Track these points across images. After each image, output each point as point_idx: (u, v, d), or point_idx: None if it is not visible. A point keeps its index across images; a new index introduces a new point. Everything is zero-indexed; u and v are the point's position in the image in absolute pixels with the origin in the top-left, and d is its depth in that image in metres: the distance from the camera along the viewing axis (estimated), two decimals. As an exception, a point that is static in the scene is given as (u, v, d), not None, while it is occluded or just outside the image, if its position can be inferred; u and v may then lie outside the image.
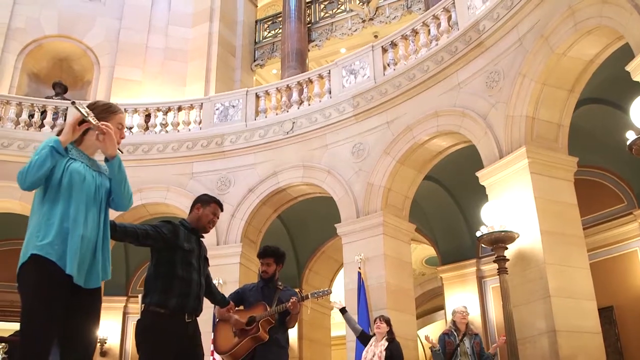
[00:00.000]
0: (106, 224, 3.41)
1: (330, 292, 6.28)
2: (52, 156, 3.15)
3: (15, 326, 13.17)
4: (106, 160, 3.36)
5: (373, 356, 7.90)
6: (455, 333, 7.80)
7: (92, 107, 3.44)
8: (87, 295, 3.23)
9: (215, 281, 5.34)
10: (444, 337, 7.81)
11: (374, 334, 8.23)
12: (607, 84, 9.67)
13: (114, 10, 17.71)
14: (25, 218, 12.70)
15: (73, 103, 3.24)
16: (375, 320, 8.33)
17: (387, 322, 8.21)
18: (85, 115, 3.18)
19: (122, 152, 3.49)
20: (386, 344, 7.99)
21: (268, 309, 5.56)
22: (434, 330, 21.56)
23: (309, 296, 5.88)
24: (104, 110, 3.49)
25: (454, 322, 8.00)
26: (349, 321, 8.44)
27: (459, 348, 7.61)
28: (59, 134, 3.31)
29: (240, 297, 5.84)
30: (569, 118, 9.24)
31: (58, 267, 3.09)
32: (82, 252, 3.18)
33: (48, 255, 3.09)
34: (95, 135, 3.32)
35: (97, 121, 3.25)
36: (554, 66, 8.90)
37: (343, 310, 8.30)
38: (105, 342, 14.41)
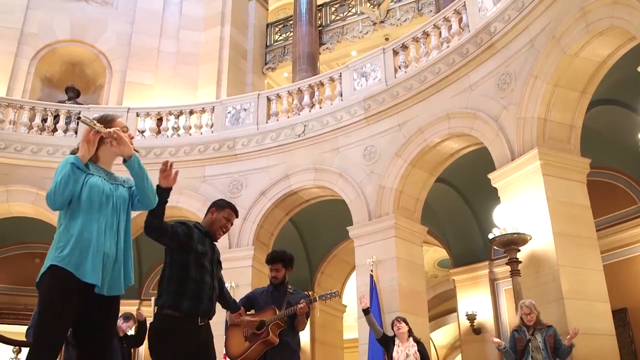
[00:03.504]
0: (127, 233, 3.58)
1: (338, 295, 6.29)
2: (74, 173, 3.31)
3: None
4: (124, 161, 3.51)
5: (407, 357, 7.94)
6: (524, 328, 7.42)
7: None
8: (107, 303, 3.41)
9: (227, 284, 5.36)
10: (514, 333, 7.53)
11: (394, 335, 8.26)
12: (619, 85, 9.63)
13: (126, 14, 17.80)
14: (39, 222, 12.77)
15: (79, 118, 3.40)
16: (393, 322, 8.36)
17: (406, 321, 8.28)
18: (93, 125, 3.35)
19: (138, 152, 3.66)
20: (416, 345, 8.05)
21: (277, 313, 5.57)
22: (446, 333, 21.56)
23: (317, 299, 5.90)
24: (104, 122, 3.61)
25: (521, 318, 7.66)
26: (371, 323, 8.41)
27: (530, 343, 7.34)
28: (73, 152, 3.50)
29: (251, 301, 5.86)
30: (581, 119, 9.21)
31: (75, 277, 3.25)
32: (103, 262, 3.34)
33: (66, 266, 3.25)
34: (109, 144, 3.50)
35: (105, 129, 3.42)
36: (566, 67, 8.87)
37: (366, 311, 8.27)
38: (119, 346, 14.44)
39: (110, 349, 3.48)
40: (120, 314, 9.34)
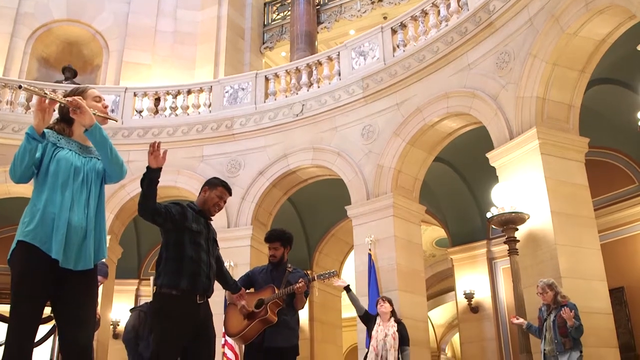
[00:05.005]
0: (99, 206, 3.50)
1: (337, 274, 6.30)
2: (29, 143, 3.24)
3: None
4: (85, 131, 3.41)
5: (385, 336, 7.95)
6: (544, 307, 7.41)
7: (65, 95, 3.56)
8: (80, 277, 3.33)
9: (226, 263, 5.36)
10: (538, 312, 7.60)
11: (377, 314, 8.29)
12: (618, 64, 9.60)
13: (123, -7, 17.70)
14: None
15: (20, 87, 3.30)
16: (378, 301, 8.38)
17: (390, 302, 8.29)
18: (44, 94, 3.23)
19: (117, 120, 3.74)
20: (396, 325, 8.06)
21: (276, 292, 5.59)
22: (444, 312, 21.69)
23: (315, 278, 5.92)
24: (75, 94, 3.56)
25: None
26: (353, 300, 8.40)
27: (545, 322, 7.28)
28: (51, 126, 3.47)
29: (251, 280, 5.89)
30: (580, 99, 9.19)
31: (42, 252, 3.21)
32: (70, 236, 3.28)
33: (32, 241, 3.22)
34: (71, 111, 3.38)
35: (60, 98, 3.34)
36: (565, 46, 8.83)
37: (347, 289, 8.27)
38: (118, 325, 14.52)
39: (92, 327, 3.40)
40: None
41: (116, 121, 3.65)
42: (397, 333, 8.00)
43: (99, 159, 3.55)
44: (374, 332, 8.11)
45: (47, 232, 3.24)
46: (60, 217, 3.27)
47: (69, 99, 3.36)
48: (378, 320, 8.21)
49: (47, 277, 3.22)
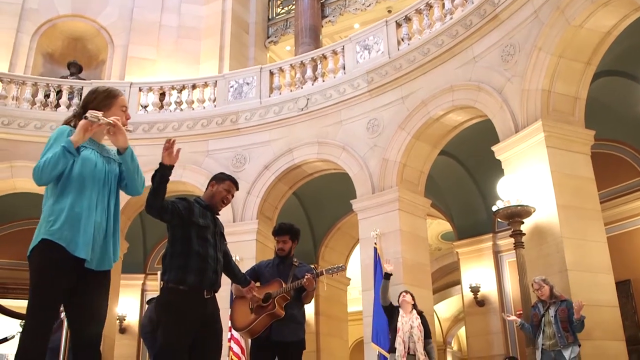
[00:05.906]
0: (117, 208, 3.53)
1: (344, 269, 6.31)
2: (65, 157, 3.23)
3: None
4: (118, 152, 3.47)
5: (411, 328, 8.05)
6: (540, 304, 7.56)
7: (94, 96, 3.58)
8: (97, 277, 3.37)
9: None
10: (532, 309, 7.70)
11: (398, 306, 8.37)
12: (624, 56, 9.57)
13: (127, -12, 17.68)
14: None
15: (85, 117, 3.27)
16: (401, 293, 8.45)
17: (412, 295, 8.38)
18: (98, 120, 3.27)
19: (130, 131, 3.57)
20: (419, 317, 8.17)
21: (284, 286, 5.58)
22: (449, 305, 21.68)
23: (324, 272, 5.90)
24: (106, 97, 3.59)
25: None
26: (386, 289, 8.52)
27: (543, 318, 7.41)
28: (67, 122, 3.50)
29: (256, 273, 5.87)
30: (586, 91, 9.16)
31: (66, 252, 3.22)
32: (93, 236, 3.31)
33: (58, 240, 3.22)
34: (106, 129, 3.39)
35: (106, 119, 3.35)
36: (571, 38, 8.80)
37: (387, 276, 8.41)
38: (125, 319, 14.57)
39: (102, 325, 3.42)
40: None
41: (129, 131, 3.67)
42: (422, 325, 8.12)
43: (115, 161, 3.58)
44: (399, 324, 8.20)
45: (74, 232, 3.25)
46: (89, 219, 3.30)
47: (111, 120, 3.36)
48: (401, 312, 8.29)
49: (68, 276, 3.25)
